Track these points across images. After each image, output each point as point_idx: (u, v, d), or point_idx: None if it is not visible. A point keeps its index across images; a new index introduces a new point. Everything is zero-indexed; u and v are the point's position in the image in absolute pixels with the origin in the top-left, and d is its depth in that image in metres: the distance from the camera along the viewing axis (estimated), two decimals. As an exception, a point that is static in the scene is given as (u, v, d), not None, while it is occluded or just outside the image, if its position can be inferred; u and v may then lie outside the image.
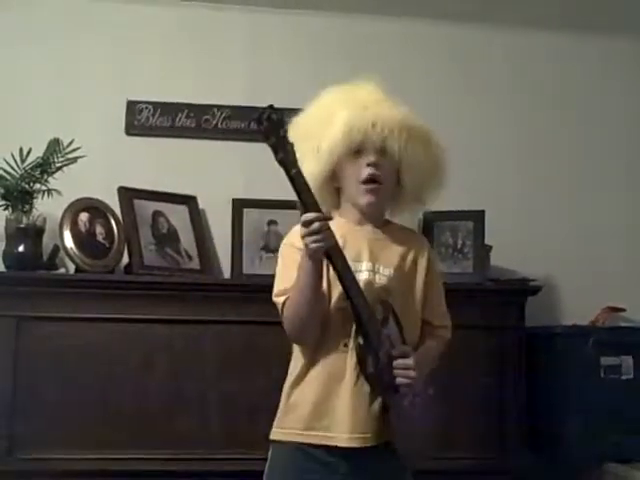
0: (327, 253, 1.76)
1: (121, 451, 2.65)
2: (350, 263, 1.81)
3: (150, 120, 3.21)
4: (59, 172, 2.89)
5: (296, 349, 1.93)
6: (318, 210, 1.74)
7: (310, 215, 1.72)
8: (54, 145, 2.89)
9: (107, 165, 3.10)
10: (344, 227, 1.92)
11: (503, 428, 2.84)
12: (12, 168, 2.86)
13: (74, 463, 2.64)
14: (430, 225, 3.09)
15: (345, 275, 1.79)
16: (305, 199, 1.73)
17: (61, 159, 2.89)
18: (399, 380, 1.84)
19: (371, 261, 1.89)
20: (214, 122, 3.23)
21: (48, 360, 2.68)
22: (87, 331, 2.72)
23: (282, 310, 1.87)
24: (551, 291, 3.25)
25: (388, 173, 1.93)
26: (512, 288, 3.03)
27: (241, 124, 3.22)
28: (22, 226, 2.84)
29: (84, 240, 2.89)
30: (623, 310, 3.16)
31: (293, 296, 1.83)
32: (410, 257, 1.96)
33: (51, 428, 2.65)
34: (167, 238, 3.04)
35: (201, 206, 3.17)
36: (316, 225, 1.72)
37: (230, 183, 3.15)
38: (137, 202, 3.01)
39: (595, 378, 2.87)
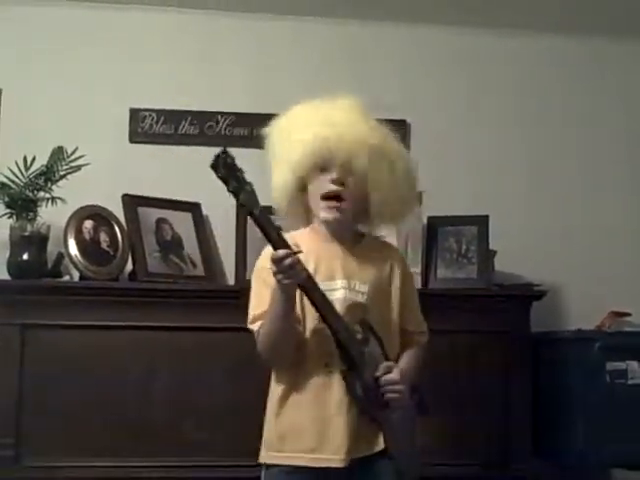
0: (301, 285, 1.78)
1: (126, 458, 2.65)
2: (324, 282, 1.83)
3: (154, 127, 3.22)
4: (63, 180, 2.90)
5: (274, 371, 1.95)
6: (286, 245, 1.74)
7: (279, 253, 1.72)
8: (58, 153, 2.90)
9: (111, 173, 3.10)
10: (316, 244, 1.92)
11: (509, 433, 2.83)
12: (16, 176, 2.87)
13: (80, 470, 2.64)
14: (434, 230, 3.09)
15: (321, 305, 1.80)
16: (271, 237, 1.73)
17: (65, 167, 2.90)
18: (388, 396, 1.87)
19: (346, 278, 1.89)
20: (218, 129, 3.24)
21: (53, 367, 2.69)
22: (92, 338, 2.73)
23: (257, 336, 1.89)
24: (556, 296, 3.25)
25: (353, 191, 1.91)
26: (517, 293, 3.02)
27: (245, 131, 3.23)
28: (26, 234, 2.84)
29: (88, 248, 2.90)
30: (628, 314, 3.15)
31: (266, 325, 1.85)
32: (386, 269, 1.97)
33: (57, 435, 2.65)
34: (171, 245, 3.04)
35: (205, 213, 3.17)
36: (287, 262, 1.72)
37: (234, 190, 3.15)
38: (141, 209, 3.02)
39: (601, 383, 2.86)
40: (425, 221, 3.08)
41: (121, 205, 2.99)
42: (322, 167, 1.89)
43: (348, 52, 3.33)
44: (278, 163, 1.93)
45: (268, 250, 1.89)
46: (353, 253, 1.95)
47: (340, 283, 1.89)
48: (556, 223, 3.36)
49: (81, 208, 2.93)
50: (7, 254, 2.87)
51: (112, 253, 2.94)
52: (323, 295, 1.81)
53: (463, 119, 3.38)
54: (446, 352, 2.83)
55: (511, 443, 2.82)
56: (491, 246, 3.05)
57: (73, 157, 2.90)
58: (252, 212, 1.71)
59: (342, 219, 1.93)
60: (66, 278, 2.94)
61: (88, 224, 2.93)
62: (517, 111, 3.42)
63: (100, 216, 2.97)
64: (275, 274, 1.75)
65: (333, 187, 1.89)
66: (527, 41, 3.44)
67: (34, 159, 2.88)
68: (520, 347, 2.89)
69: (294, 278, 1.75)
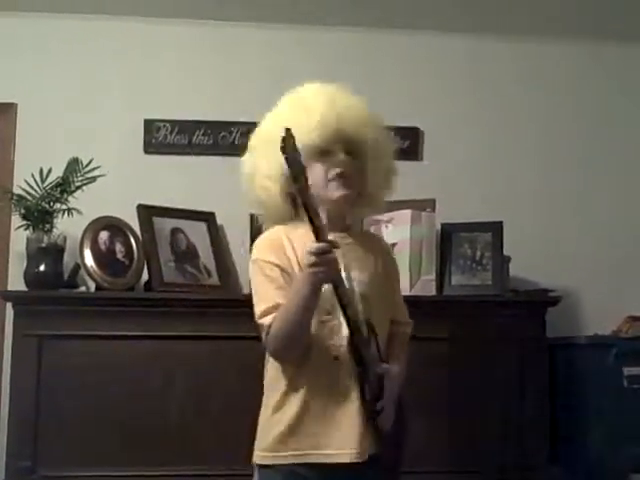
0: (332, 280, 1.74)
1: (142, 468, 2.66)
2: None
3: (168, 138, 3.24)
4: (79, 191, 2.92)
5: (273, 368, 1.90)
6: (327, 239, 1.69)
7: (322, 246, 1.68)
8: (73, 165, 2.92)
9: (126, 183, 3.13)
10: (310, 236, 1.81)
11: (525, 439, 2.81)
12: (32, 188, 2.90)
13: (96, 480, 2.66)
14: (448, 237, 3.08)
15: (348, 302, 1.76)
16: (316, 224, 1.68)
17: (80, 178, 2.92)
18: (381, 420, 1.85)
19: (346, 270, 1.84)
20: (231, 139, 3.25)
21: (70, 378, 2.70)
22: (108, 349, 2.74)
23: (268, 330, 1.82)
24: (572, 301, 3.23)
25: (355, 173, 1.90)
26: (532, 299, 3.01)
27: (258, 140, 3.23)
28: (43, 245, 2.86)
29: (104, 258, 2.92)
30: (645, 319, 3.14)
31: (284, 316, 1.78)
32: (379, 259, 1.96)
33: (73, 445, 2.66)
34: (186, 254, 3.05)
35: (219, 222, 3.18)
36: (329, 257, 1.68)
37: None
38: (156, 219, 3.03)
39: (618, 388, 2.85)
40: (439, 228, 3.08)
41: (136, 215, 3.01)
42: (324, 151, 1.86)
43: (360, 60, 3.33)
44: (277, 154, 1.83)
45: (262, 242, 1.88)
46: (349, 243, 1.92)
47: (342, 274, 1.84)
48: (571, 228, 3.35)
49: (97, 219, 2.95)
50: (24, 265, 2.89)
51: (128, 263, 2.95)
52: (348, 292, 1.77)
53: (475, 125, 3.38)
54: (461, 358, 2.83)
55: (528, 449, 2.80)
56: (505, 252, 3.04)
57: (88, 168, 2.92)
58: (305, 196, 1.65)
59: (351, 196, 1.89)
60: (82, 289, 2.96)
61: (104, 235, 2.95)
62: (530, 117, 3.42)
63: (115, 227, 2.98)
64: (312, 266, 1.68)
65: (341, 169, 1.87)
66: (539, 46, 3.43)
67: (50, 171, 2.90)
68: (536, 353, 2.88)
69: (331, 273, 1.70)
